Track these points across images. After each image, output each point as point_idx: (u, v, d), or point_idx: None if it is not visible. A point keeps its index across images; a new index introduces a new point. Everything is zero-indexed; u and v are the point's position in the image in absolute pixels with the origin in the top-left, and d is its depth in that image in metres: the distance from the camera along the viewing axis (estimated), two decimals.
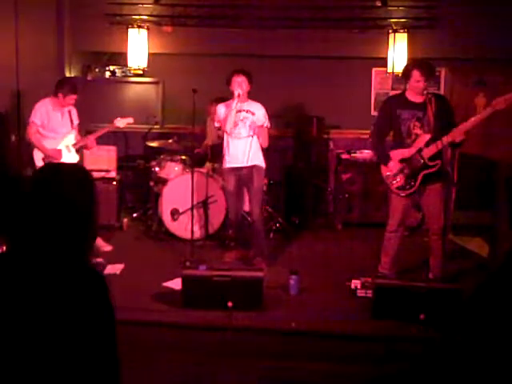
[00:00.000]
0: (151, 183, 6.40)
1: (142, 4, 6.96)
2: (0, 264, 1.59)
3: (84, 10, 7.03)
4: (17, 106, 6.17)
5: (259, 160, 5.31)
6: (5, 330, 1.50)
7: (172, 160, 6.32)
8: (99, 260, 5.13)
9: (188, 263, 5.12)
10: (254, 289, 4.30)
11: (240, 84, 5.17)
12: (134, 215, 6.75)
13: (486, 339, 1.81)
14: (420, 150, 4.66)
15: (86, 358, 1.51)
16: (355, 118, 7.11)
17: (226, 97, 5.50)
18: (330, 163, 7.18)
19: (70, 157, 5.58)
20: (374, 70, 7.24)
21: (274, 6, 6.87)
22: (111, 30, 6.97)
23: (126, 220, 6.58)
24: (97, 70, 7.48)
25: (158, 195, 6.22)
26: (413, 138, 4.71)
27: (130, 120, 5.92)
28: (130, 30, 6.85)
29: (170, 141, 6.42)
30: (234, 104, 5.16)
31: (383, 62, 6.90)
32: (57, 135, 5.54)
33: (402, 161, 4.73)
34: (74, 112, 5.66)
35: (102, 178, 6.37)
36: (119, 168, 6.72)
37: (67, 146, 5.61)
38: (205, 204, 5.85)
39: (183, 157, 6.36)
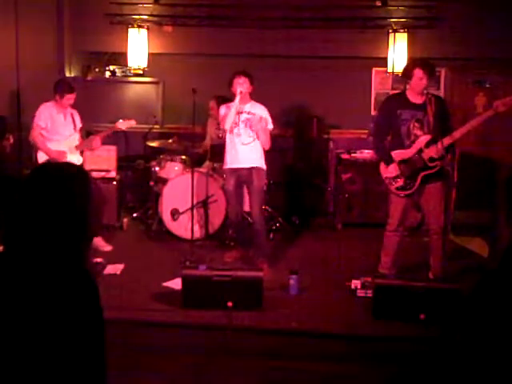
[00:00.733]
0: (151, 183, 6.40)
1: (142, 4, 6.97)
2: None
3: (84, 9, 7.06)
4: (17, 105, 6.17)
5: (260, 162, 5.29)
6: None
7: (172, 160, 6.32)
8: (99, 260, 5.15)
9: (188, 263, 5.12)
10: (254, 289, 4.30)
11: (241, 85, 5.16)
12: (134, 215, 6.74)
13: (485, 338, 1.81)
14: (420, 151, 4.66)
15: (71, 359, 1.51)
16: (355, 117, 7.10)
17: (226, 96, 5.50)
18: (330, 163, 7.17)
19: (73, 158, 5.61)
20: (374, 69, 7.22)
21: (274, 5, 6.88)
22: (111, 30, 6.98)
23: (126, 220, 6.57)
24: (97, 70, 7.49)
25: (158, 195, 6.22)
26: (412, 138, 4.70)
27: (133, 123, 5.94)
28: (130, 30, 6.86)
29: (170, 141, 6.42)
30: (237, 100, 5.14)
31: (383, 61, 6.90)
32: (60, 137, 5.65)
33: (402, 161, 4.73)
34: (77, 116, 5.76)
35: (102, 178, 6.36)
36: (119, 168, 6.70)
37: (70, 148, 5.69)
38: (205, 204, 5.85)
39: (183, 157, 6.36)
